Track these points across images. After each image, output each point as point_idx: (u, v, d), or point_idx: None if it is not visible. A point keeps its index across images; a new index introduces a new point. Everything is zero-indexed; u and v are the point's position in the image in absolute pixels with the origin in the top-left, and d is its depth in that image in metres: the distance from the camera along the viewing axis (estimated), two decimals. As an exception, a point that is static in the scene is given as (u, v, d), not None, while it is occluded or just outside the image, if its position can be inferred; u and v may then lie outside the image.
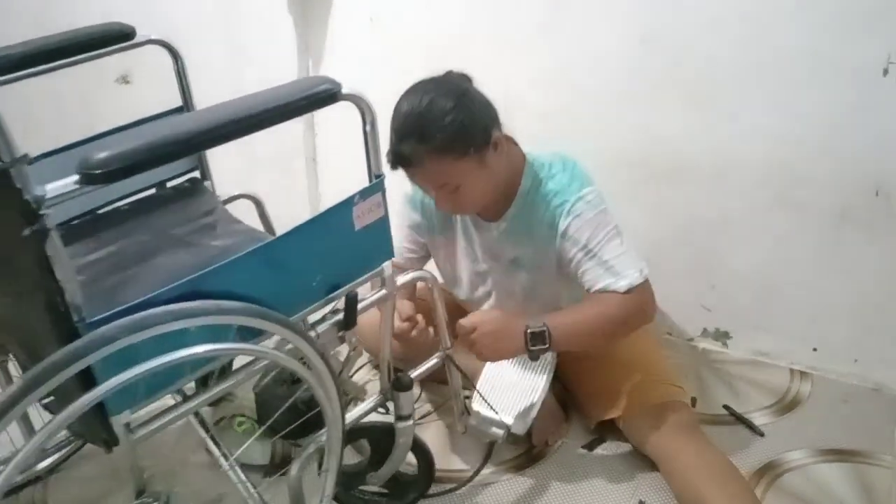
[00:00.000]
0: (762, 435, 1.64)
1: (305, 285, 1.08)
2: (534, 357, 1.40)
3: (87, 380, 0.85)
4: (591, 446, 1.61)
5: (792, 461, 1.57)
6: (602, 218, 1.43)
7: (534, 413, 1.49)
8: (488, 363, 1.53)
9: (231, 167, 2.39)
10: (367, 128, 1.07)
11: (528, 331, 1.36)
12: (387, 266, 1.18)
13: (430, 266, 1.81)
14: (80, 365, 0.82)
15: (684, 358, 1.92)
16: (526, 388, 1.51)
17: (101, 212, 1.38)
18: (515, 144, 1.49)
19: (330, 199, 2.61)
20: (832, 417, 1.70)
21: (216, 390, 1.04)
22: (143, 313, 0.86)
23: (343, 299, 1.14)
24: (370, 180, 1.11)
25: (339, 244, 1.10)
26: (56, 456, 1.57)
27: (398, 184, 1.58)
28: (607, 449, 1.61)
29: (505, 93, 1.88)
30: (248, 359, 1.06)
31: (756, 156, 1.71)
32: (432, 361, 1.41)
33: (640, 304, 1.42)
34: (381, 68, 2.06)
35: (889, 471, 1.54)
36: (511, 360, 1.54)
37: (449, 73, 1.41)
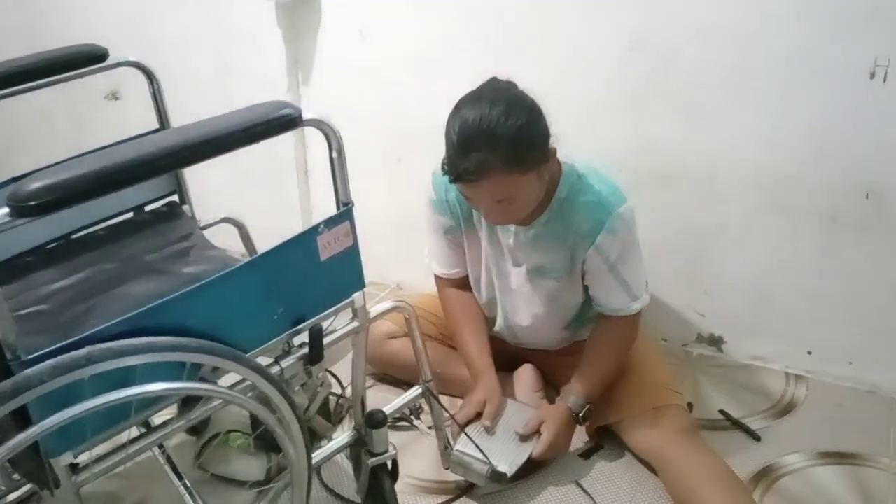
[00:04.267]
0: (759, 439, 1.64)
1: (266, 318, 1.04)
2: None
3: (26, 418, 0.81)
4: (587, 454, 1.61)
5: (789, 465, 1.57)
6: (632, 238, 1.48)
7: (521, 460, 1.46)
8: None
9: (221, 181, 2.40)
10: (334, 154, 1.03)
11: (580, 415, 1.53)
12: (357, 297, 1.14)
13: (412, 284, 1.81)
14: (4, 409, 0.78)
15: (679, 364, 1.91)
16: (519, 440, 1.50)
17: (75, 236, 1.35)
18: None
19: (322, 211, 2.62)
20: (828, 420, 1.70)
21: (172, 428, 0.99)
22: (69, 355, 0.81)
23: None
24: (338, 208, 1.06)
25: (302, 275, 1.06)
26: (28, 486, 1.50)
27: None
28: (604, 456, 1.60)
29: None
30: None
31: (746, 160, 1.71)
32: (411, 395, 1.36)
33: (639, 322, 1.57)
34: (372, 81, 2.06)
35: (886, 472, 1.54)
36: (509, 409, 1.57)
37: (501, 83, 1.37)
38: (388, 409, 1.29)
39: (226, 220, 1.54)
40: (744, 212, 1.77)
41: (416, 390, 1.36)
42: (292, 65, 2.15)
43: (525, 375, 1.70)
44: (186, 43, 2.26)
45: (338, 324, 1.16)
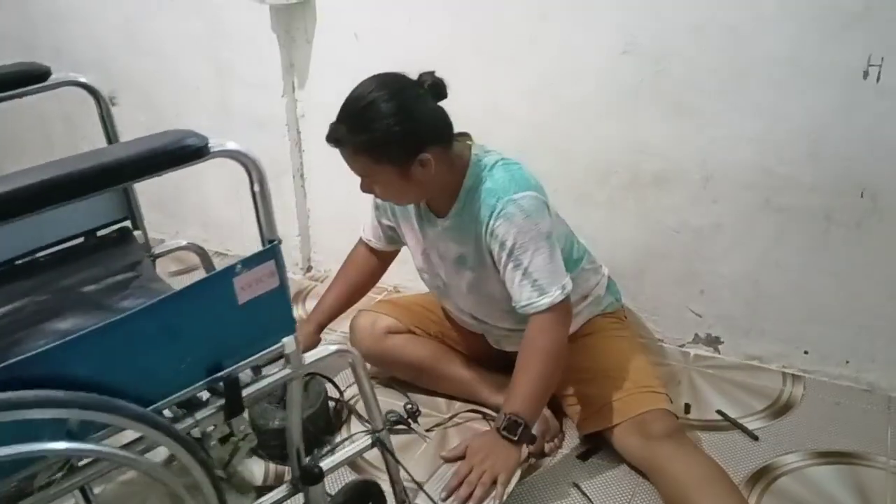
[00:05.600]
0: (756, 439, 1.64)
1: (171, 368, 0.94)
2: (530, 440, 1.42)
3: None
4: (585, 455, 1.61)
5: (787, 465, 1.57)
6: (531, 225, 1.40)
7: None
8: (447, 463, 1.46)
9: (218, 185, 2.39)
10: (256, 187, 0.94)
11: (500, 429, 1.40)
12: (288, 342, 1.03)
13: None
14: None
15: (676, 364, 1.92)
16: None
17: (19, 262, 1.25)
18: (469, 142, 1.48)
19: (318, 215, 2.61)
20: (825, 420, 1.70)
21: (69, 483, 0.90)
22: None
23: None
24: (263, 245, 0.97)
25: (216, 320, 0.96)
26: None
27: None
28: (602, 458, 1.60)
29: (491, 105, 1.89)
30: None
31: (741, 160, 1.72)
32: (357, 448, 1.24)
33: (562, 321, 1.45)
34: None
35: (883, 471, 1.54)
36: None
37: (421, 77, 1.40)
38: (325, 465, 1.18)
39: (187, 247, 1.46)
40: (739, 212, 1.77)
41: (365, 441, 1.25)
42: (287, 69, 2.15)
43: None
44: (182, 48, 2.26)
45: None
